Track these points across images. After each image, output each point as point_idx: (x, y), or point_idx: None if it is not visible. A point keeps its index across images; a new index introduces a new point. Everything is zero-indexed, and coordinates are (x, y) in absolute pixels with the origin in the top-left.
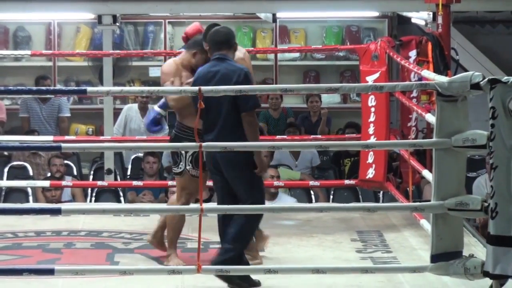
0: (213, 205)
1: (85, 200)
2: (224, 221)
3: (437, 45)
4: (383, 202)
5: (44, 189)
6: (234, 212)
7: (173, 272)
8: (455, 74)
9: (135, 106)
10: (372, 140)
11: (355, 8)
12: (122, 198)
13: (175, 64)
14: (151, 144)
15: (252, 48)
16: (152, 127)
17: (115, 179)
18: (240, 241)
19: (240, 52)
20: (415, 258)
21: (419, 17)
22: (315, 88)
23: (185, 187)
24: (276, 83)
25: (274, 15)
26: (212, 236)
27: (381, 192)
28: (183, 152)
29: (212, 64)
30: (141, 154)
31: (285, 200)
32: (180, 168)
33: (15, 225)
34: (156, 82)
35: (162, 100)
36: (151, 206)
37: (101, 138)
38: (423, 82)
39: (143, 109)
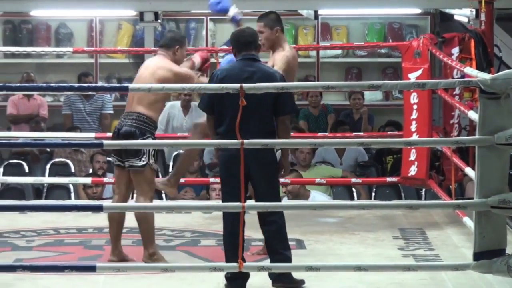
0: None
1: None
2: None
3: (480, 42)
4: (425, 199)
5: (85, 186)
6: (275, 209)
7: (214, 269)
8: (498, 71)
9: (177, 103)
10: (415, 137)
11: (398, 5)
12: (163, 195)
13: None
14: (193, 141)
15: (294, 45)
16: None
17: (157, 176)
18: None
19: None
20: (457, 256)
21: (462, 14)
22: (357, 85)
23: (150, 181)
24: (318, 80)
25: (316, 12)
26: (253, 233)
27: (424, 189)
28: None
29: (244, 63)
30: (182, 151)
31: (318, 199)
32: (143, 161)
33: (57, 222)
34: None
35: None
36: (193, 203)
37: None
38: (465, 79)
39: (186, 107)
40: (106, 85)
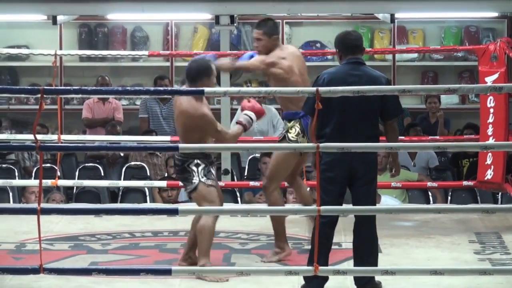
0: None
1: None
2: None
3: None
4: (501, 203)
5: (161, 189)
6: (352, 213)
7: (290, 273)
8: None
9: None
10: (491, 141)
11: (475, 8)
12: (239, 199)
13: None
14: (268, 145)
15: (370, 49)
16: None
17: (232, 179)
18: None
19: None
20: None
21: None
22: (434, 89)
23: (206, 197)
24: (394, 84)
25: (392, 15)
26: None
27: (500, 193)
28: (194, 167)
29: (350, 67)
30: (258, 155)
31: (389, 203)
32: (194, 183)
33: (132, 225)
34: None
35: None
36: (268, 207)
37: None
38: None
39: None
40: (182, 88)
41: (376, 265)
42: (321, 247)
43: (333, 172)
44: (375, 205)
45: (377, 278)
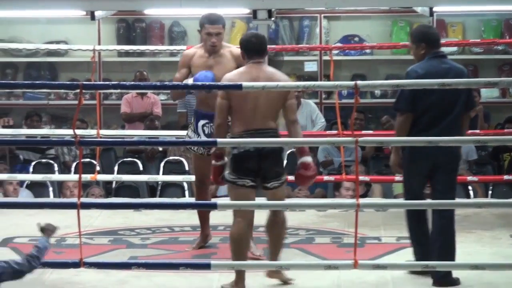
0: (369, 200)
1: None
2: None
3: None
4: None
5: None
6: (395, 207)
7: (329, 267)
8: None
9: None
10: None
11: None
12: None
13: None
14: (308, 139)
15: (409, 43)
16: None
17: None
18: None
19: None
20: None
21: None
22: (474, 83)
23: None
24: None
25: (431, 8)
26: (369, 231)
27: None
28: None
29: (439, 61)
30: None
31: None
32: (285, 176)
33: (171, 219)
34: (311, 76)
35: None
36: (307, 201)
37: None
38: None
39: (297, 105)
40: (219, 83)
41: (453, 259)
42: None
43: (417, 164)
44: (454, 195)
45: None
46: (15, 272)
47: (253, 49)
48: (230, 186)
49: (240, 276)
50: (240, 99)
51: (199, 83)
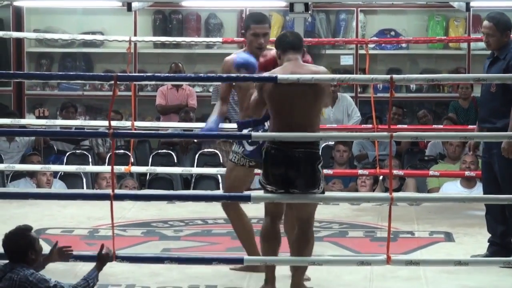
0: (403, 194)
1: None
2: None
3: None
4: None
5: None
6: (426, 201)
7: (362, 263)
8: None
9: None
10: None
11: None
12: None
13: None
14: (343, 134)
15: (445, 37)
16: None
17: None
18: None
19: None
20: None
21: None
22: (509, 77)
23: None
24: (468, 73)
25: (467, 3)
26: (402, 225)
27: None
28: (320, 168)
29: None
30: (331, 143)
31: (451, 190)
32: (321, 188)
33: (205, 212)
34: (347, 70)
35: None
36: (341, 194)
37: None
38: None
39: (332, 99)
40: (254, 75)
41: None
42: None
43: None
44: None
45: (449, 269)
46: None
47: (288, 44)
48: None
49: (269, 275)
50: (275, 98)
51: (234, 75)
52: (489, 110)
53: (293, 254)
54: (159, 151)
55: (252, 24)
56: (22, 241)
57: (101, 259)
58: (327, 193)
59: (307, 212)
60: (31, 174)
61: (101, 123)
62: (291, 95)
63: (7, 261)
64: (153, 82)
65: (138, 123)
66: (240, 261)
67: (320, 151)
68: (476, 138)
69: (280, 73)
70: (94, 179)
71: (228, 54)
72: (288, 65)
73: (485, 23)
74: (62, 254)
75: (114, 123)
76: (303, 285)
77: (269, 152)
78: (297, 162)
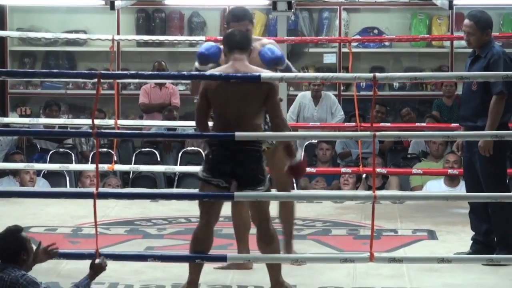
0: (386, 192)
1: None
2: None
3: None
4: None
5: None
6: (409, 199)
7: (345, 260)
8: None
9: (308, 94)
10: None
11: None
12: (294, 184)
13: None
14: (326, 133)
15: (428, 35)
16: None
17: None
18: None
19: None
20: None
21: None
22: (492, 76)
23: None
24: (451, 71)
25: (450, 2)
26: (385, 223)
27: None
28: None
29: None
30: (314, 141)
31: (434, 188)
32: (267, 185)
33: (189, 210)
34: (330, 68)
35: None
36: (323, 193)
37: None
38: None
39: (316, 97)
40: (238, 74)
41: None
42: None
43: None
44: None
45: (432, 266)
46: None
47: (235, 44)
48: (202, 184)
49: (193, 276)
50: (217, 99)
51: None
52: (470, 109)
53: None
54: (143, 149)
55: (232, 21)
56: (14, 242)
57: (95, 269)
58: (310, 191)
59: (263, 210)
60: (14, 173)
61: (84, 122)
62: (234, 94)
63: None
64: (137, 80)
65: (122, 122)
66: (223, 258)
67: (303, 149)
68: (458, 137)
69: (224, 71)
70: (78, 177)
71: None
72: (234, 64)
73: (466, 21)
74: (47, 253)
75: (97, 121)
76: (283, 281)
77: (214, 149)
78: (243, 159)
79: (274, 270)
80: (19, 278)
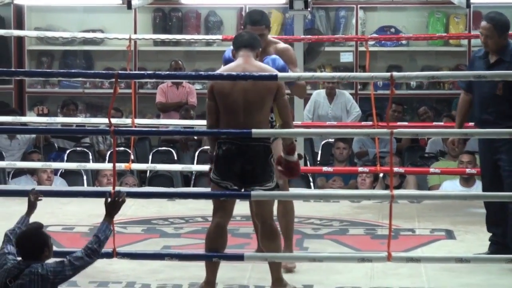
0: (403, 191)
1: None
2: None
3: None
4: None
5: None
6: (427, 199)
7: (363, 260)
8: None
9: (322, 92)
10: None
11: None
12: (312, 184)
13: None
14: (341, 130)
15: (445, 34)
16: None
17: (305, 164)
18: None
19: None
20: None
21: None
22: (509, 75)
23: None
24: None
25: (468, 0)
26: (402, 223)
27: None
28: (273, 162)
29: None
30: (331, 140)
31: (450, 188)
32: (275, 181)
33: (205, 209)
34: (347, 67)
35: None
36: (341, 192)
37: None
38: None
39: (330, 95)
40: (255, 73)
41: None
42: None
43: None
44: None
45: (451, 266)
46: (76, 269)
47: (241, 43)
48: (212, 184)
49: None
50: (225, 98)
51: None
52: (494, 113)
53: (265, 251)
54: (159, 148)
55: (248, 24)
56: (38, 240)
57: (109, 207)
58: (327, 191)
59: (268, 208)
60: (32, 172)
61: (101, 121)
62: (243, 92)
63: (19, 259)
64: (154, 80)
65: (139, 121)
66: (240, 257)
67: (320, 148)
68: (476, 135)
69: (230, 69)
70: (95, 176)
71: None
72: (239, 61)
73: (483, 23)
74: (35, 197)
75: (114, 120)
76: (283, 278)
77: (223, 146)
78: (252, 155)
79: (275, 267)
80: (47, 270)
